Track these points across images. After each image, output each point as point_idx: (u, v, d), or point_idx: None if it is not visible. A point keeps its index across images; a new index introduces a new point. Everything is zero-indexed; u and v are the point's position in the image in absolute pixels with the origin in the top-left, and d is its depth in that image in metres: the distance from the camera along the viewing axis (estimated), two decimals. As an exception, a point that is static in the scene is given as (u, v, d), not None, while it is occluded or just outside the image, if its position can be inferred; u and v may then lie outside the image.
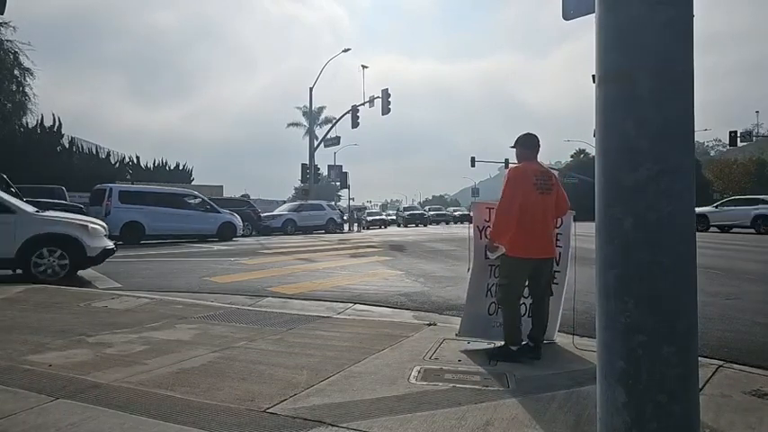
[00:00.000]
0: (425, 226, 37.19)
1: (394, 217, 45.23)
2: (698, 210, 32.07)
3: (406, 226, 38.26)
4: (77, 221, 8.14)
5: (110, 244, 8.31)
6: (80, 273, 8.80)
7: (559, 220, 4.08)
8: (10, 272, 7.65)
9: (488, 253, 3.87)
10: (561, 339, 4.19)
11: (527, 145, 3.89)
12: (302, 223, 26.16)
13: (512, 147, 3.99)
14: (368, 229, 34.84)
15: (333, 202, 39.14)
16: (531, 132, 3.94)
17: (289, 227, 25.24)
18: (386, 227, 36.87)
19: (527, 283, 3.86)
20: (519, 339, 3.73)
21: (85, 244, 7.74)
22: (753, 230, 20.86)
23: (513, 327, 3.73)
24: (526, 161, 3.84)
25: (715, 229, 22.39)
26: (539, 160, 3.90)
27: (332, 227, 27.57)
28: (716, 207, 25.17)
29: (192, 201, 18.72)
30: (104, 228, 8.47)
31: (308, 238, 21.25)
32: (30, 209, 7.98)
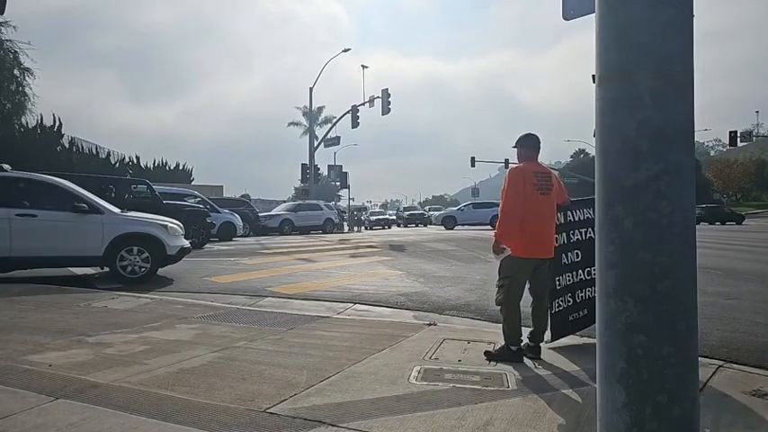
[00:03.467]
0: (425, 226, 37.19)
1: (394, 217, 45.22)
2: (447, 212, 34.34)
3: (406, 226, 38.23)
4: (158, 221, 8.44)
5: (186, 243, 8.61)
6: (78, 272, 8.80)
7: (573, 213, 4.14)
8: (95, 269, 8.16)
9: (494, 255, 3.86)
10: (561, 339, 4.19)
11: (528, 145, 3.89)
12: (299, 223, 26.13)
13: (513, 147, 4.00)
14: (371, 229, 34.71)
15: (332, 203, 39.13)
16: (532, 132, 3.95)
17: (286, 227, 25.21)
18: (389, 227, 36.81)
19: (529, 284, 3.86)
20: (519, 340, 3.73)
21: (165, 243, 8.04)
22: (490, 227, 25.14)
23: (513, 327, 3.73)
24: (526, 161, 3.85)
25: (461, 228, 27.03)
26: (539, 161, 3.91)
27: (329, 227, 27.52)
28: (461, 209, 30.81)
29: (191, 201, 18.71)
30: (181, 227, 8.77)
31: (308, 239, 21.25)
32: (116, 209, 8.34)
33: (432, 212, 42.87)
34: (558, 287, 4.06)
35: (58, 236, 7.56)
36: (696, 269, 1.69)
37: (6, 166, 8.04)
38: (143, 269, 7.89)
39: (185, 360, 3.68)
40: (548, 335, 3.98)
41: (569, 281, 4.13)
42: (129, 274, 7.82)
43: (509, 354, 3.69)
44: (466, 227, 28.72)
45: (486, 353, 3.75)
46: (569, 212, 4.18)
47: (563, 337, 4.06)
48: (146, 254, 7.90)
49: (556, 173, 4.19)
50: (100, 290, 7.18)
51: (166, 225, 8.36)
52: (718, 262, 9.63)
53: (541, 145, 3.93)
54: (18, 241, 7.32)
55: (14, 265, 7.62)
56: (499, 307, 3.84)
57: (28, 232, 7.39)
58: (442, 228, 29.24)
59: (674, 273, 1.63)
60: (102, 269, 8.07)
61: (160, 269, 8.32)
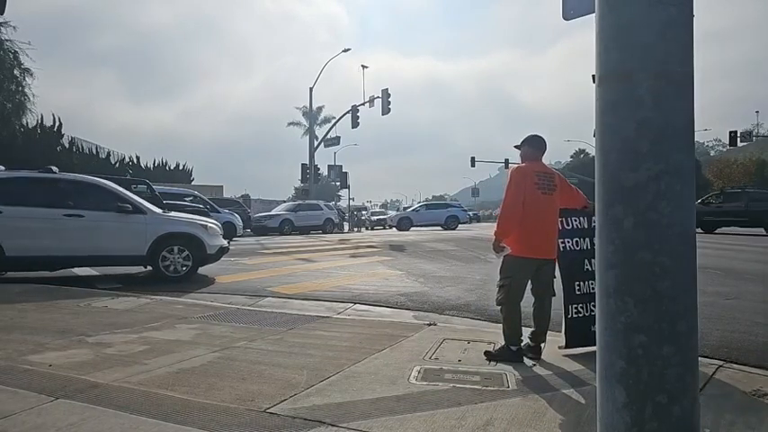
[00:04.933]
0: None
1: None
2: (402, 213, 34.49)
3: (372, 229, 37.98)
4: (198, 221, 8.68)
5: (225, 242, 8.75)
6: (78, 272, 8.80)
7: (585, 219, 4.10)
8: (141, 268, 8.48)
9: (494, 254, 3.84)
10: (562, 339, 4.18)
11: (534, 145, 3.89)
12: (299, 223, 26.12)
13: (516, 146, 3.99)
14: (372, 229, 34.62)
15: (333, 203, 39.09)
16: (538, 134, 3.95)
17: (285, 227, 25.20)
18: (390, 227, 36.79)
19: (531, 285, 3.85)
20: (519, 340, 3.73)
21: (206, 242, 8.20)
22: (444, 227, 27.58)
23: (513, 327, 3.72)
24: (530, 161, 3.84)
25: (417, 229, 27.50)
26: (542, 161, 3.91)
27: (329, 227, 27.50)
28: (416, 210, 31.58)
29: (188, 201, 18.69)
30: (219, 227, 8.94)
31: (308, 239, 21.25)
32: (158, 210, 8.57)
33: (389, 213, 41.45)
34: (578, 293, 3.96)
35: (103, 236, 7.74)
36: (696, 269, 1.69)
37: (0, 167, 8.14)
38: (184, 268, 8.02)
39: (185, 360, 3.68)
40: (563, 340, 3.93)
41: (591, 289, 3.92)
42: (172, 273, 7.97)
43: (509, 354, 3.69)
44: (421, 228, 28.72)
45: (487, 353, 3.76)
46: (594, 218, 4.12)
47: (581, 347, 3.83)
48: (186, 253, 8.04)
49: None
50: (100, 290, 7.18)
51: (206, 225, 8.54)
52: (718, 262, 9.63)
53: (547, 147, 3.93)
54: (66, 241, 7.48)
55: (63, 264, 7.86)
56: (499, 307, 3.84)
57: (75, 232, 7.55)
58: (395, 230, 29.04)
59: (674, 273, 1.63)
60: (146, 268, 8.33)
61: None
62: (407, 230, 28.10)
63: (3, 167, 8.23)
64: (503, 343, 3.77)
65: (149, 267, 8.16)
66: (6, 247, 7.20)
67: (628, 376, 1.64)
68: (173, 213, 8.99)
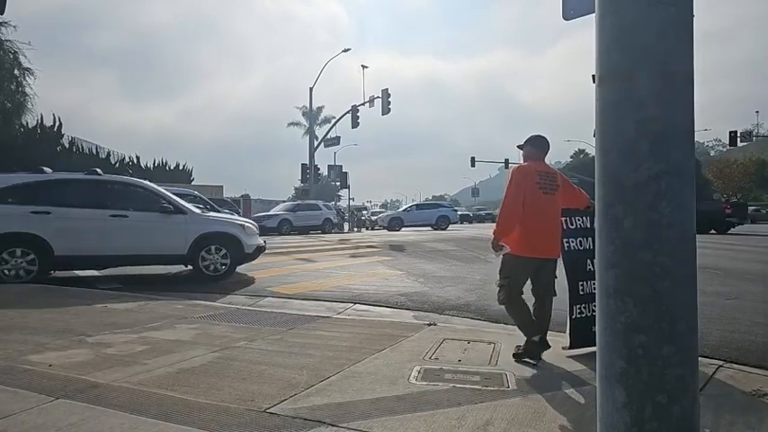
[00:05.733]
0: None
1: None
2: (393, 213, 34.47)
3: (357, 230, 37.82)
4: (236, 221, 8.89)
5: (261, 241, 8.87)
6: (78, 272, 8.80)
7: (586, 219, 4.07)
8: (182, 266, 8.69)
9: (493, 253, 3.83)
10: (562, 339, 4.18)
11: (537, 144, 3.88)
12: (298, 223, 26.10)
13: (519, 146, 3.99)
14: (372, 229, 34.57)
15: (332, 203, 39.07)
16: (541, 134, 3.95)
17: (284, 227, 25.18)
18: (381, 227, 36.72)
19: (531, 284, 3.85)
20: (536, 330, 3.70)
21: (243, 242, 8.35)
22: (434, 228, 28.08)
23: (525, 322, 3.71)
24: (532, 161, 3.84)
25: (407, 230, 27.61)
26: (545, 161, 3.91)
27: (328, 227, 27.47)
28: (407, 210, 31.71)
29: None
30: (256, 227, 9.11)
31: (308, 238, 21.25)
32: (197, 210, 8.76)
33: (380, 214, 41.32)
34: (581, 293, 3.95)
35: (146, 235, 7.93)
36: (696, 269, 1.69)
37: (47, 169, 8.33)
38: (223, 267, 8.19)
39: (185, 360, 3.68)
40: (566, 340, 3.92)
41: (593, 289, 3.92)
42: (211, 272, 8.14)
43: (533, 346, 3.66)
44: (411, 228, 28.70)
45: (515, 355, 3.70)
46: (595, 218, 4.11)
47: (585, 347, 3.82)
48: (224, 252, 8.19)
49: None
50: (100, 290, 7.18)
51: (243, 225, 8.69)
52: (718, 262, 9.63)
53: (549, 148, 3.92)
54: (112, 241, 7.71)
55: (110, 263, 8.02)
56: (503, 306, 3.82)
57: (121, 232, 7.77)
58: (386, 230, 28.92)
59: (674, 273, 1.63)
60: (186, 267, 8.50)
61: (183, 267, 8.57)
62: (398, 230, 28.11)
63: (49, 170, 8.38)
64: (525, 339, 3.72)
65: (189, 266, 8.38)
66: (55, 246, 7.37)
67: (628, 376, 1.64)
68: (211, 213, 9.26)
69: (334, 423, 2.58)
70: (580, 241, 4.01)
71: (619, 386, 1.66)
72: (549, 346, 3.75)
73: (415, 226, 29.40)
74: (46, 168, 8.24)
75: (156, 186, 8.59)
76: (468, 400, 2.89)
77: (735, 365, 3.55)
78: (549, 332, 3.89)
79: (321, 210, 28.13)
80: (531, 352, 3.65)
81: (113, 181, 8.45)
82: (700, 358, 2.09)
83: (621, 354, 1.66)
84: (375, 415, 2.69)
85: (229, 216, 9.40)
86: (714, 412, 2.71)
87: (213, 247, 8.14)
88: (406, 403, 2.85)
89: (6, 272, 7.18)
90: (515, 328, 3.91)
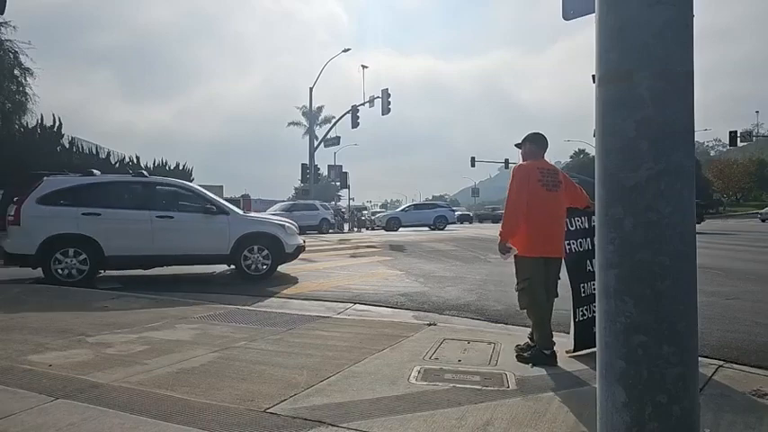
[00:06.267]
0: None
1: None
2: (391, 213, 34.59)
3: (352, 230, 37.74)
4: (276, 221, 9.04)
5: (301, 241, 8.98)
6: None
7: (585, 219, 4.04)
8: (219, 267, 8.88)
9: (500, 255, 3.77)
10: (562, 340, 4.18)
11: (536, 142, 3.86)
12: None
13: (517, 145, 3.98)
14: (373, 229, 34.46)
15: (331, 202, 39.05)
16: (539, 131, 3.93)
17: None
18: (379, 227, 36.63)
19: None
20: (551, 343, 3.62)
21: (284, 241, 8.48)
22: (432, 228, 28.24)
23: (544, 330, 3.63)
24: (532, 158, 3.81)
25: (405, 230, 27.69)
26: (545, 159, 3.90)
27: (325, 227, 27.40)
28: (405, 210, 31.86)
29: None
30: (296, 226, 9.24)
31: (307, 239, 21.19)
32: (239, 210, 8.95)
33: (378, 214, 40.77)
34: (584, 294, 3.91)
35: (191, 235, 8.11)
36: (696, 269, 1.69)
37: (95, 172, 8.59)
38: (264, 266, 8.31)
39: (185, 360, 3.68)
40: (570, 343, 3.88)
41: (593, 290, 3.84)
42: (253, 272, 8.27)
43: (543, 358, 3.58)
44: (409, 228, 28.68)
45: (519, 356, 3.66)
46: (594, 217, 4.09)
47: (587, 349, 3.78)
48: (266, 252, 8.31)
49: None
50: (100, 290, 7.18)
51: (284, 225, 8.80)
52: (718, 262, 9.64)
53: (548, 144, 3.91)
54: (159, 241, 7.90)
55: (156, 263, 8.22)
56: (525, 310, 3.75)
57: (166, 232, 7.95)
58: (384, 230, 28.85)
59: (674, 273, 1.63)
60: (230, 266, 8.63)
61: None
62: (396, 230, 28.07)
63: (98, 172, 8.59)
64: (534, 346, 3.67)
65: (232, 266, 8.49)
66: (105, 247, 7.59)
67: (628, 376, 1.64)
68: (252, 214, 9.55)
69: (334, 423, 2.58)
70: (580, 242, 3.98)
71: (619, 386, 1.66)
72: (556, 361, 3.67)
73: (413, 226, 29.40)
74: (95, 171, 8.54)
75: (200, 188, 8.84)
76: (468, 400, 2.89)
77: (735, 365, 3.55)
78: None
79: (318, 210, 28.06)
80: (539, 361, 3.57)
81: (159, 182, 8.67)
82: (700, 358, 2.09)
83: (621, 354, 1.66)
84: (375, 415, 2.69)
85: (270, 216, 9.65)
86: (714, 412, 2.71)
87: (256, 247, 8.27)
88: (406, 403, 2.85)
89: (60, 271, 7.42)
90: (516, 328, 3.91)
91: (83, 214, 7.56)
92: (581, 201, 4.05)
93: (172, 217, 8.03)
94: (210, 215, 8.17)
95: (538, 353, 3.62)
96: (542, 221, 3.63)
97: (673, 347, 1.62)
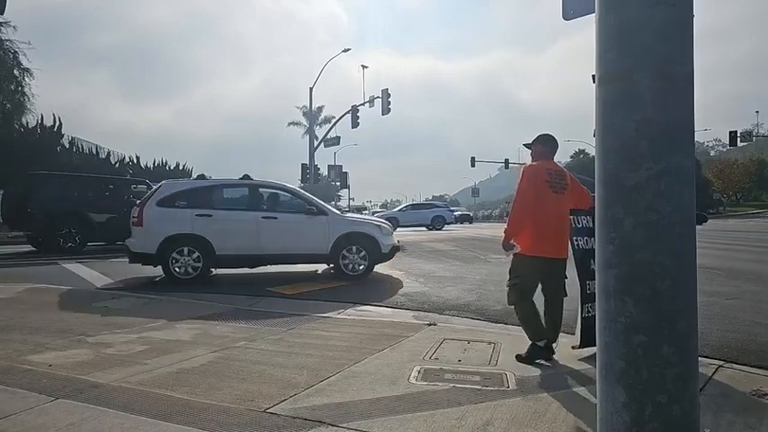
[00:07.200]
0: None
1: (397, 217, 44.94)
2: (389, 213, 34.54)
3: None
4: (373, 222, 9.21)
5: (396, 241, 9.05)
6: (78, 272, 8.80)
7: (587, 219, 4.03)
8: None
9: (504, 252, 3.82)
10: (562, 340, 4.18)
11: (546, 143, 3.88)
12: None
13: (527, 145, 3.99)
14: None
15: (332, 202, 39.03)
16: (550, 133, 3.95)
17: None
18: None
19: (541, 285, 3.83)
20: (542, 335, 3.68)
21: (381, 242, 8.55)
22: (429, 227, 28.24)
23: (534, 324, 3.70)
24: (542, 159, 3.84)
25: (403, 230, 26.88)
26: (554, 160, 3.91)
27: None
28: (403, 210, 31.91)
29: None
30: (391, 227, 9.34)
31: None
32: (337, 211, 9.22)
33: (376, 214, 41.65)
34: (589, 292, 3.89)
35: (293, 235, 8.37)
36: (696, 269, 1.69)
37: (202, 174, 9.10)
38: (361, 267, 8.39)
39: (185, 360, 3.68)
40: (576, 339, 3.89)
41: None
42: (350, 271, 8.37)
43: (537, 351, 3.64)
44: (408, 228, 28.62)
45: (518, 356, 3.68)
46: None
47: (594, 345, 3.88)
48: (363, 252, 8.41)
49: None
50: (100, 290, 7.18)
51: (380, 225, 8.94)
52: (718, 262, 9.63)
53: (558, 147, 3.93)
54: (264, 241, 8.21)
55: (261, 261, 8.51)
56: (513, 307, 3.80)
57: (271, 232, 8.25)
58: None
59: (674, 272, 1.63)
60: (329, 265, 8.74)
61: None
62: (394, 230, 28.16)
63: (210, 176, 9.03)
64: (530, 344, 3.70)
65: (331, 264, 8.62)
66: (216, 246, 7.92)
67: (628, 376, 1.64)
68: (349, 215, 9.81)
69: (334, 423, 2.58)
70: (586, 240, 4.00)
71: (619, 386, 1.66)
72: (554, 353, 3.73)
73: (411, 226, 29.39)
74: (207, 175, 9.01)
75: (300, 190, 9.08)
76: (468, 400, 2.89)
77: (735, 365, 3.55)
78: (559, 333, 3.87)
79: None
80: (534, 356, 3.62)
81: (264, 185, 8.95)
82: (700, 358, 2.09)
83: (621, 354, 1.66)
84: (375, 415, 2.69)
85: (367, 217, 9.89)
86: (714, 412, 2.71)
87: (354, 248, 8.39)
88: (406, 403, 2.85)
89: (177, 269, 7.79)
90: (516, 328, 3.91)
91: (196, 215, 7.95)
92: (584, 203, 4.03)
93: (276, 218, 8.34)
94: (311, 216, 8.39)
95: (532, 348, 3.68)
96: (547, 222, 3.65)
97: (673, 347, 1.62)
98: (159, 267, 7.89)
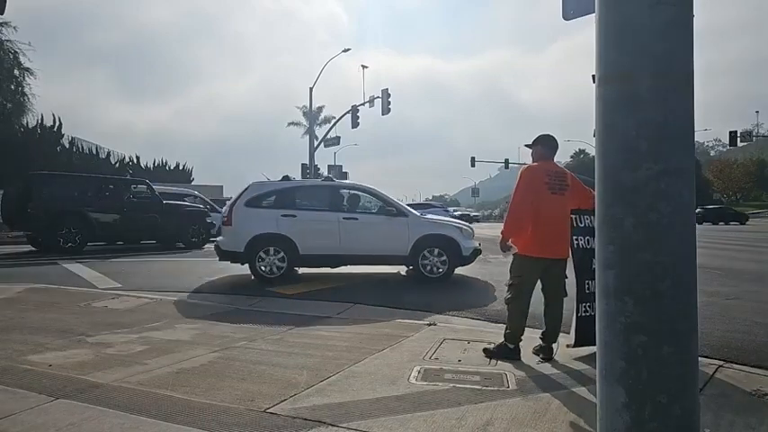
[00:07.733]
0: None
1: None
2: None
3: None
4: (453, 224, 9.08)
5: (477, 244, 8.89)
6: (78, 272, 8.80)
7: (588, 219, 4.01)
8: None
9: (501, 253, 3.84)
10: (561, 339, 4.18)
11: (546, 144, 3.89)
12: None
13: (527, 146, 3.99)
14: None
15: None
16: (550, 134, 3.95)
17: None
18: None
19: (540, 285, 3.84)
20: (517, 339, 3.73)
21: (461, 244, 8.39)
22: None
23: (517, 326, 3.73)
24: (542, 160, 3.84)
25: None
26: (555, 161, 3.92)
27: None
28: None
29: (191, 201, 18.67)
30: (472, 230, 9.19)
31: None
32: (416, 213, 8.98)
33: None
34: (587, 291, 3.90)
35: (373, 236, 8.37)
36: (696, 269, 1.69)
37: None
38: (440, 270, 8.23)
39: (185, 360, 3.68)
40: (572, 338, 3.90)
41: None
42: (429, 274, 8.21)
43: (506, 351, 3.70)
44: None
45: (485, 350, 3.78)
46: None
47: (589, 346, 3.78)
48: (444, 257, 8.26)
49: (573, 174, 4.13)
50: (100, 290, 7.18)
51: (461, 227, 8.78)
52: (718, 262, 9.63)
53: (558, 147, 3.93)
54: (345, 241, 8.27)
55: (342, 262, 8.54)
56: (507, 305, 3.83)
57: (352, 233, 8.30)
58: None
59: (674, 273, 1.63)
60: (408, 267, 8.69)
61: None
62: None
63: (295, 177, 9.01)
64: (501, 340, 3.77)
65: (410, 267, 8.55)
66: (300, 246, 8.06)
67: (628, 376, 1.64)
68: (430, 216, 9.70)
69: (334, 423, 2.58)
70: (588, 240, 4.00)
71: (619, 386, 1.66)
72: (554, 353, 3.75)
73: None
74: (291, 176, 9.01)
75: (379, 191, 9.00)
76: (468, 400, 2.90)
77: (735, 365, 3.55)
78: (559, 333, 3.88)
79: None
80: (502, 355, 3.70)
81: (345, 186, 9.22)
82: (700, 358, 2.10)
83: (621, 354, 1.66)
84: (375, 415, 2.69)
85: (448, 218, 9.79)
86: (714, 412, 2.71)
87: (436, 250, 8.26)
88: (405, 403, 2.85)
89: (263, 268, 7.95)
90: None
91: (282, 216, 8.09)
92: (587, 203, 4.02)
93: (356, 218, 8.41)
94: (391, 217, 8.39)
95: (503, 346, 3.74)
96: (547, 223, 3.66)
97: (673, 347, 1.62)
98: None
